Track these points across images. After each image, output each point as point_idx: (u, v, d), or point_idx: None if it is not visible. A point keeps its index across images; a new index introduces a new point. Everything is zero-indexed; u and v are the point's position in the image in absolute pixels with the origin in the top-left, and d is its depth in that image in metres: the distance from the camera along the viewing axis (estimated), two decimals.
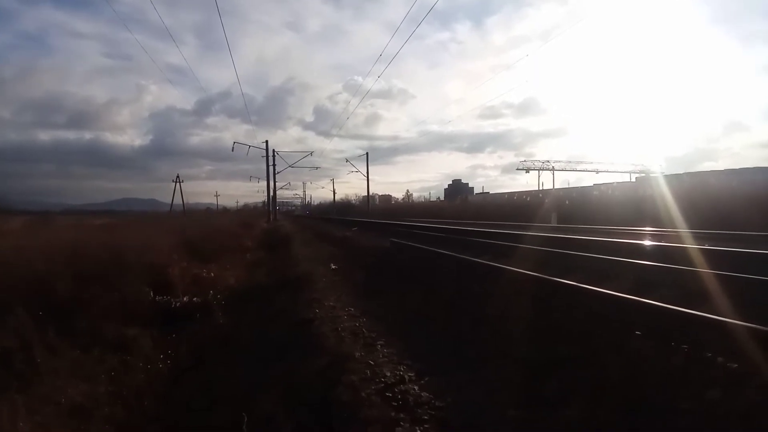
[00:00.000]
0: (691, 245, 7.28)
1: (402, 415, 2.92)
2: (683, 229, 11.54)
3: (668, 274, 5.54)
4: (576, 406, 2.90)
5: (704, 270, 5.32)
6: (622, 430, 2.62)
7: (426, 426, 2.78)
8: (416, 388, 3.31)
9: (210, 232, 20.49)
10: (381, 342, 4.48)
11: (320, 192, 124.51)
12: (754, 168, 25.54)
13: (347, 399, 3.27)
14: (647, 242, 8.39)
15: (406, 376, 3.53)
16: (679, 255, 6.33)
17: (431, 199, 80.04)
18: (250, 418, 3.61)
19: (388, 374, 3.59)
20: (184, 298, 9.78)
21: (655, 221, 14.92)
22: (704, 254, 6.14)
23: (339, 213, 65.55)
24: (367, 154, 51.84)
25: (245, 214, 53.55)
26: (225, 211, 69.39)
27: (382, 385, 3.41)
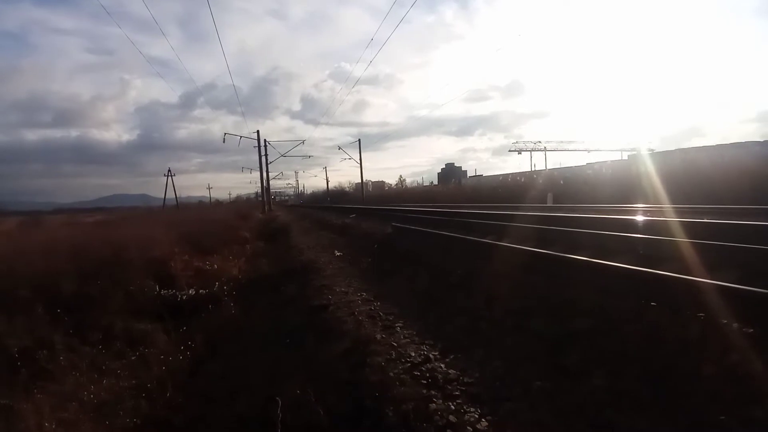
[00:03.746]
0: (692, 219, 7.42)
1: (433, 392, 3.00)
2: (676, 205, 11.72)
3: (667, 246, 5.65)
4: (599, 376, 3.00)
5: (703, 242, 5.43)
6: (647, 395, 2.72)
7: (458, 401, 2.86)
8: (443, 366, 3.40)
9: (207, 224, 20.47)
10: (399, 324, 4.57)
11: (313, 180, 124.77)
12: (744, 142, 25.78)
13: (376, 379, 3.35)
14: (649, 218, 8.51)
15: (430, 355, 3.61)
16: (675, 229, 6.46)
17: (424, 184, 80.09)
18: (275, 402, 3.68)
19: (413, 354, 3.68)
20: (190, 291, 9.84)
21: (648, 198, 15.17)
22: (705, 228, 6.27)
23: (333, 201, 65.53)
24: (359, 140, 51.57)
25: (239, 206, 53.40)
26: (218, 204, 69.21)
27: (409, 364, 3.50)
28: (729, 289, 3.57)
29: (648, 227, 7.20)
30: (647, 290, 4.00)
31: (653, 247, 5.74)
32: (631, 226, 7.50)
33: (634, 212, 11.20)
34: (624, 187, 18.88)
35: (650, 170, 18.37)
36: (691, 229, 6.26)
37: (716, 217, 8.47)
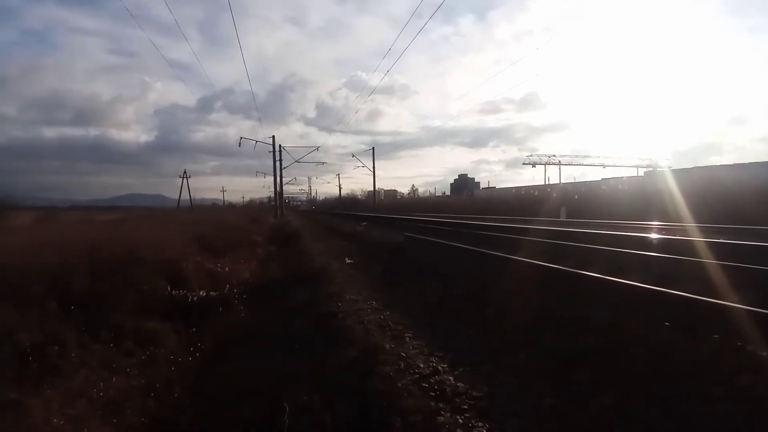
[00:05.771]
0: (714, 240, 7.29)
1: (442, 405, 2.97)
2: (700, 224, 11.53)
3: (689, 267, 5.56)
4: (610, 395, 2.94)
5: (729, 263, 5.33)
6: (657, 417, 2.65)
7: (467, 415, 2.83)
8: (451, 378, 3.37)
9: (220, 227, 20.60)
10: (408, 334, 4.54)
11: (325, 187, 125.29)
12: (763, 162, 25.27)
13: (384, 389, 3.32)
14: (667, 237, 8.39)
15: (439, 367, 3.59)
16: (702, 250, 6.34)
17: (437, 194, 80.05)
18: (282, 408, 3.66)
19: (422, 365, 3.65)
20: (201, 293, 9.87)
21: (669, 216, 14.94)
22: (728, 249, 6.15)
23: (345, 208, 65.72)
24: (373, 149, 51.72)
25: (252, 210, 53.75)
26: (231, 207, 69.76)
27: (418, 375, 3.47)
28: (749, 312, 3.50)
29: (666, 245, 7.10)
30: (661, 309, 3.94)
31: (669, 266, 5.65)
32: (647, 244, 7.40)
33: (651, 230, 11.06)
34: (640, 203, 18.68)
35: (672, 187, 18.18)
36: (713, 249, 6.15)
37: (743, 237, 8.30)
